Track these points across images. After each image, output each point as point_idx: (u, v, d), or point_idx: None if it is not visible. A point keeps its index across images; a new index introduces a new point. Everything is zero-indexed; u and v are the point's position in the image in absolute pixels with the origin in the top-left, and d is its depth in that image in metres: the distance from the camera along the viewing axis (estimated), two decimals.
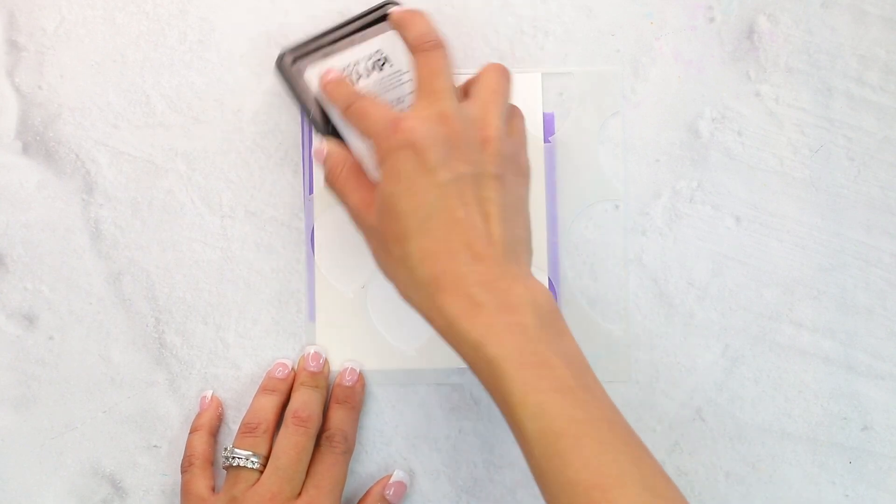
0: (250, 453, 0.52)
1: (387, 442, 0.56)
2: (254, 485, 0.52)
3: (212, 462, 0.55)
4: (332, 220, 0.57)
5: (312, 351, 0.56)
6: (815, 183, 0.58)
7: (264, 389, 0.55)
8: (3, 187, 0.57)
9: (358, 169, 0.52)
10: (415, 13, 0.52)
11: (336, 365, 0.56)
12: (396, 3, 0.56)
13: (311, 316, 0.57)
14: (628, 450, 0.43)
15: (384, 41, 0.56)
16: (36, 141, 0.57)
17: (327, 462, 0.53)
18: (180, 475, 0.54)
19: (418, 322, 0.56)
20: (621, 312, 0.57)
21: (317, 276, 0.57)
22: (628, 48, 0.58)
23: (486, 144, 0.48)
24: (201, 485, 0.53)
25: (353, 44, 0.56)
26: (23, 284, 0.57)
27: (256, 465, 0.52)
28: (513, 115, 0.52)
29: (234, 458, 0.52)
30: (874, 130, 0.58)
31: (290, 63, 0.55)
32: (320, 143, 0.53)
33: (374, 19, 0.56)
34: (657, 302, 0.57)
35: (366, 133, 0.50)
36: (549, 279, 0.57)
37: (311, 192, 0.57)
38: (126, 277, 0.57)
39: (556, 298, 0.57)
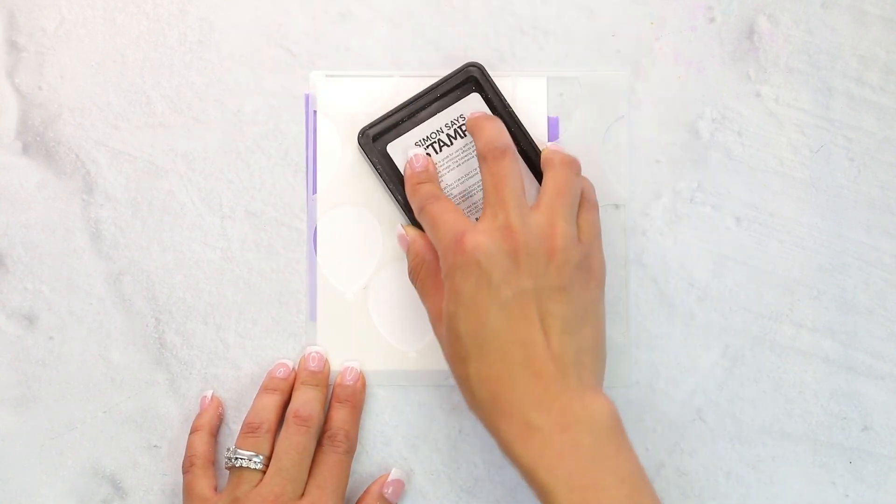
0: (253, 454, 0.52)
1: (387, 442, 0.56)
2: (257, 486, 0.52)
3: (213, 462, 0.55)
4: (335, 220, 0.57)
5: (313, 351, 0.56)
6: (815, 183, 0.58)
7: (265, 389, 0.55)
8: (3, 187, 0.57)
9: (436, 270, 0.51)
10: (486, 118, 0.52)
11: (337, 365, 0.56)
12: (477, 66, 0.55)
13: (313, 316, 0.57)
14: None
15: (465, 106, 0.56)
16: (36, 141, 0.57)
17: (329, 462, 0.53)
18: (181, 475, 0.54)
19: (419, 324, 0.57)
20: (621, 313, 0.57)
21: (318, 276, 0.57)
22: (628, 49, 0.58)
23: (552, 256, 0.48)
24: (203, 485, 0.53)
25: (434, 112, 0.56)
26: (23, 284, 0.57)
27: (259, 466, 0.52)
28: (583, 209, 0.51)
29: (237, 458, 0.52)
30: (874, 130, 0.58)
31: (371, 140, 0.55)
32: (404, 230, 0.54)
33: (453, 86, 0.56)
34: (657, 302, 0.57)
35: (435, 244, 0.50)
36: None
37: (314, 191, 0.57)
38: (126, 278, 0.57)
39: None
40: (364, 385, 0.56)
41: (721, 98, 0.58)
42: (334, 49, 0.58)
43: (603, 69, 0.58)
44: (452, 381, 0.56)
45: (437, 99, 0.56)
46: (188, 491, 0.53)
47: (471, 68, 0.56)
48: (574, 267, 0.49)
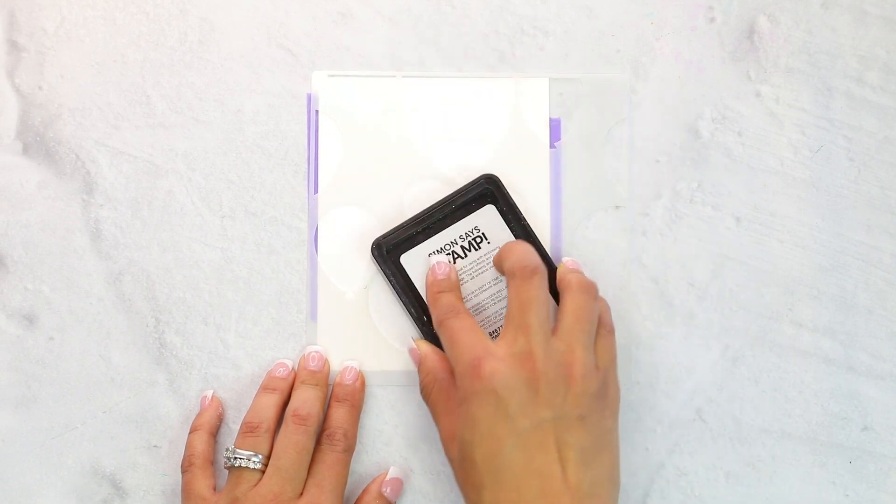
0: (252, 453, 0.52)
1: (387, 442, 0.56)
2: (256, 485, 0.52)
3: (212, 462, 0.55)
4: (336, 219, 0.57)
5: (313, 350, 0.56)
6: (815, 183, 0.58)
7: (265, 388, 0.55)
8: (3, 187, 0.57)
9: (449, 389, 0.51)
10: (519, 243, 0.52)
11: (336, 365, 0.56)
12: (492, 178, 0.55)
13: (313, 316, 0.57)
14: None
15: (480, 218, 0.56)
16: (36, 141, 0.57)
17: (328, 461, 0.53)
18: (181, 475, 0.54)
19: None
20: (621, 313, 0.57)
21: (319, 276, 0.57)
22: (628, 48, 0.58)
23: (571, 384, 0.48)
24: (202, 484, 0.53)
25: (449, 223, 0.56)
26: (23, 284, 0.57)
27: (258, 466, 0.52)
28: (600, 335, 0.51)
29: (236, 458, 0.52)
30: (874, 130, 0.58)
31: (385, 251, 0.55)
32: (415, 344, 0.54)
33: (470, 197, 0.56)
34: (657, 302, 0.57)
35: (451, 362, 0.50)
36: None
37: (315, 191, 0.57)
38: (126, 277, 0.57)
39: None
40: (363, 384, 0.56)
41: (721, 98, 0.58)
42: (334, 49, 0.58)
43: (603, 69, 0.58)
44: None
45: (452, 211, 0.55)
46: (187, 490, 0.53)
47: (486, 181, 0.55)
48: (592, 396, 0.48)
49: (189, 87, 0.58)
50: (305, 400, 0.54)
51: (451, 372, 0.51)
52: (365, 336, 0.57)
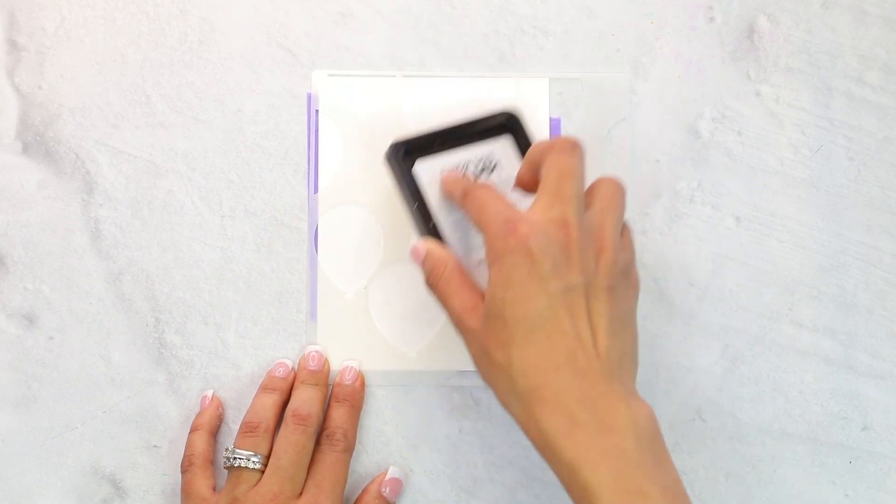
0: (251, 453, 0.52)
1: (387, 442, 0.56)
2: (255, 485, 0.52)
3: (212, 461, 0.55)
4: (336, 219, 0.57)
5: (313, 350, 0.56)
6: (815, 183, 0.58)
7: (265, 388, 0.55)
8: (3, 187, 0.57)
9: (460, 270, 0.50)
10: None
11: (336, 365, 0.56)
12: (513, 116, 0.55)
13: (313, 316, 0.57)
14: None
15: (496, 146, 0.56)
16: (36, 141, 0.57)
17: (328, 461, 0.53)
18: (181, 475, 0.54)
19: (419, 324, 0.57)
20: None
21: (319, 275, 0.57)
22: (628, 48, 0.58)
23: (601, 255, 0.47)
24: (202, 484, 0.53)
25: (464, 144, 0.56)
26: (23, 284, 0.57)
27: (258, 466, 0.52)
28: (625, 230, 0.51)
29: (235, 458, 0.52)
30: (874, 130, 0.58)
31: (401, 155, 0.55)
32: (419, 243, 0.52)
33: (489, 127, 0.56)
34: (657, 302, 0.57)
35: (481, 226, 0.49)
36: None
37: (315, 190, 0.57)
38: (126, 277, 0.57)
39: None
40: (363, 384, 0.56)
41: (721, 98, 0.58)
42: (334, 49, 0.58)
43: (603, 69, 0.58)
44: (452, 381, 0.56)
45: (471, 133, 0.56)
46: (187, 490, 0.53)
47: (508, 116, 0.55)
48: (620, 270, 0.48)
49: (189, 87, 0.58)
50: (305, 400, 0.54)
51: (458, 260, 0.51)
52: (365, 336, 0.57)
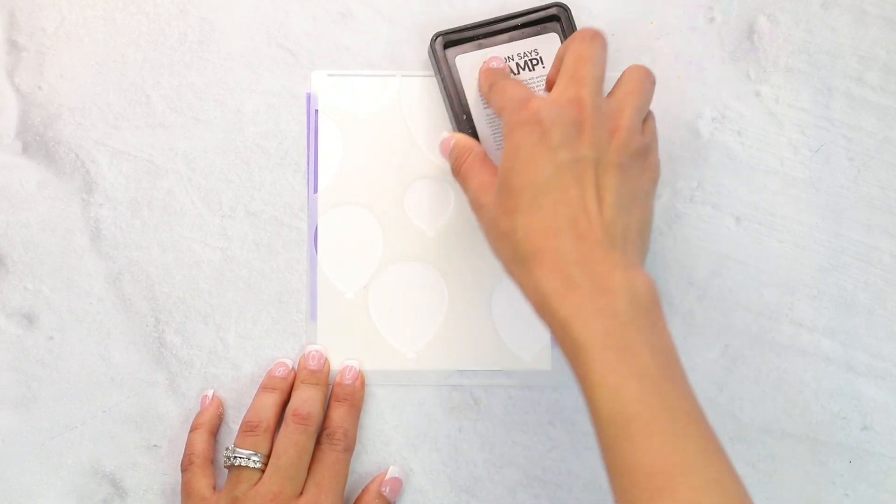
0: (252, 452, 0.52)
1: (387, 442, 0.56)
2: (255, 485, 0.52)
3: (212, 461, 0.55)
4: (336, 219, 0.57)
5: (313, 350, 0.56)
6: (815, 183, 0.58)
7: (265, 388, 0.55)
8: (3, 187, 0.57)
9: (484, 156, 0.52)
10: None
11: (336, 365, 0.56)
12: (563, 6, 0.55)
13: (313, 316, 0.57)
14: (702, 443, 0.42)
15: (541, 42, 0.55)
16: (36, 141, 0.57)
17: (328, 460, 0.53)
18: (181, 474, 0.54)
19: (419, 324, 0.57)
20: None
21: (318, 276, 0.57)
22: (628, 48, 0.58)
23: (616, 134, 0.48)
24: (202, 484, 0.53)
25: (508, 39, 0.56)
26: (23, 284, 0.57)
27: (258, 465, 0.52)
28: (648, 118, 0.51)
29: (235, 457, 0.52)
30: (874, 130, 0.58)
31: (443, 46, 0.55)
32: (448, 134, 0.54)
33: (535, 20, 0.55)
34: None
35: (498, 109, 0.50)
36: None
37: (315, 190, 0.57)
38: (126, 277, 0.57)
39: None
40: (363, 384, 0.56)
41: (721, 98, 0.58)
42: (334, 49, 0.58)
43: None
44: (452, 381, 0.56)
45: (516, 28, 0.55)
46: (187, 490, 0.53)
47: (557, 7, 0.55)
48: (634, 152, 0.48)
49: (189, 87, 0.58)
50: (305, 399, 0.54)
51: (483, 149, 0.52)
52: (365, 336, 0.57)
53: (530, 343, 0.57)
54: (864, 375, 0.57)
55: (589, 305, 0.44)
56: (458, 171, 0.53)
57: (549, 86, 0.52)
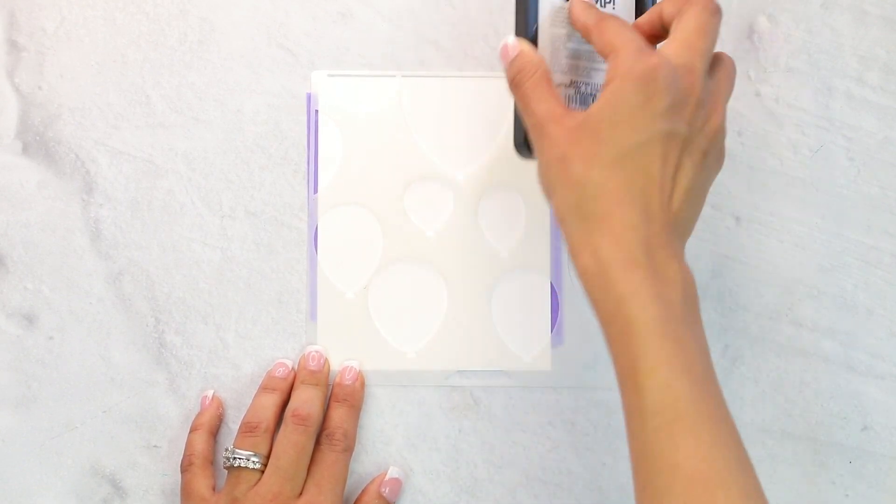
0: (251, 453, 0.52)
1: (387, 442, 0.56)
2: (255, 485, 0.52)
3: (212, 461, 0.55)
4: (336, 219, 0.57)
5: (313, 350, 0.56)
6: (815, 183, 0.58)
7: (265, 388, 0.55)
8: (3, 187, 0.57)
9: (550, 79, 0.48)
10: None
11: (336, 365, 0.56)
12: None
13: (313, 316, 0.57)
14: (738, 452, 0.42)
15: None
16: (36, 141, 0.57)
17: (328, 461, 0.53)
18: (180, 475, 0.54)
19: (419, 324, 0.57)
20: None
21: (318, 276, 0.57)
22: None
23: (712, 116, 0.46)
24: (202, 484, 0.53)
25: None
26: (23, 284, 0.57)
27: (258, 466, 0.52)
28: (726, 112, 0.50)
29: (235, 458, 0.52)
30: (874, 130, 0.58)
31: None
32: (514, 40, 0.49)
33: None
34: None
35: (611, 48, 0.46)
36: (550, 282, 0.57)
37: (315, 191, 0.57)
38: (126, 277, 0.57)
39: (557, 300, 0.57)
40: (363, 384, 0.56)
41: None
42: (334, 49, 0.58)
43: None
44: (452, 381, 0.56)
45: None
46: (186, 490, 0.53)
47: None
48: (717, 142, 0.47)
49: (189, 87, 0.58)
50: (305, 400, 0.54)
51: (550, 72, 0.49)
52: (365, 336, 0.57)
53: (530, 343, 0.57)
54: (864, 375, 0.57)
55: (649, 289, 0.43)
56: (518, 86, 0.48)
57: (637, 28, 0.49)
